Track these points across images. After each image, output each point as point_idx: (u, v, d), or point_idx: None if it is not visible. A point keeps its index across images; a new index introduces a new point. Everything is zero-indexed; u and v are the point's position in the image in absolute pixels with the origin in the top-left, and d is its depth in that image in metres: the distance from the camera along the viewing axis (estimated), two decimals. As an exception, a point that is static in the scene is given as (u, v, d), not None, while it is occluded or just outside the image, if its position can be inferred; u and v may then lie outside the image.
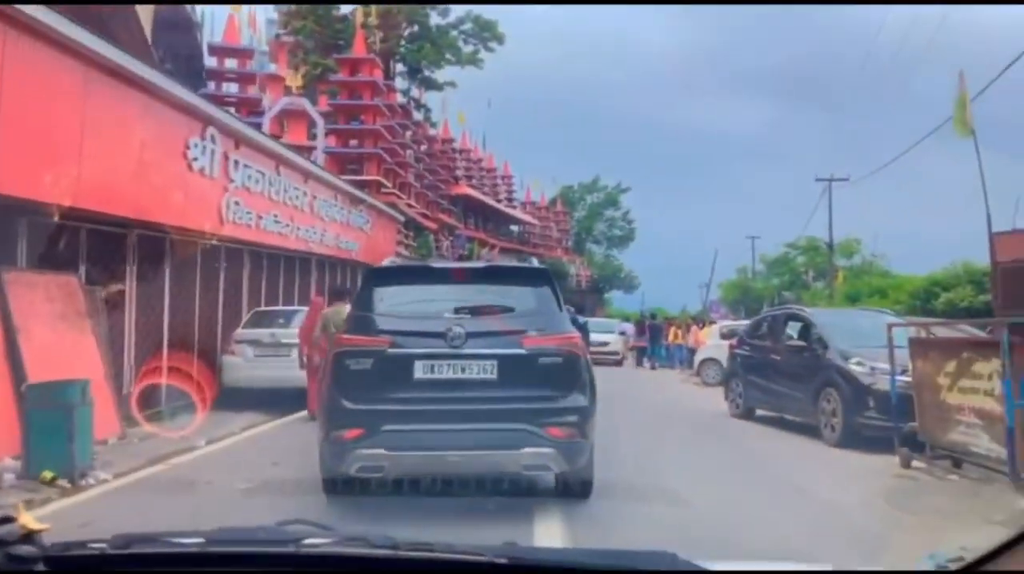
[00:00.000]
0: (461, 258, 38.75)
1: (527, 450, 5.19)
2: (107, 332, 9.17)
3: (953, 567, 1.05)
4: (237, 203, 11.94)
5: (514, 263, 8.93)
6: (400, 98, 32.63)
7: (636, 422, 10.86)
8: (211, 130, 10.83)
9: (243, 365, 11.31)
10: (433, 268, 7.28)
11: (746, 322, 20.40)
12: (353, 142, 26.83)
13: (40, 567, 0.88)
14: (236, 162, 11.85)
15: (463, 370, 5.34)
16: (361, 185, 22.16)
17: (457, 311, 5.52)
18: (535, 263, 7.84)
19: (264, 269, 14.67)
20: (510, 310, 5.64)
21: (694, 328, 22.70)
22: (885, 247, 45.14)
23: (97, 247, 9.37)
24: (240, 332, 11.88)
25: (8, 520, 0.84)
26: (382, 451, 5.16)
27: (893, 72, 32.90)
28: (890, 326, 8.18)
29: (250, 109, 24.70)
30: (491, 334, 5.42)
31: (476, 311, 5.57)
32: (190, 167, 10.38)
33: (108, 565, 1.13)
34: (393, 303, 5.79)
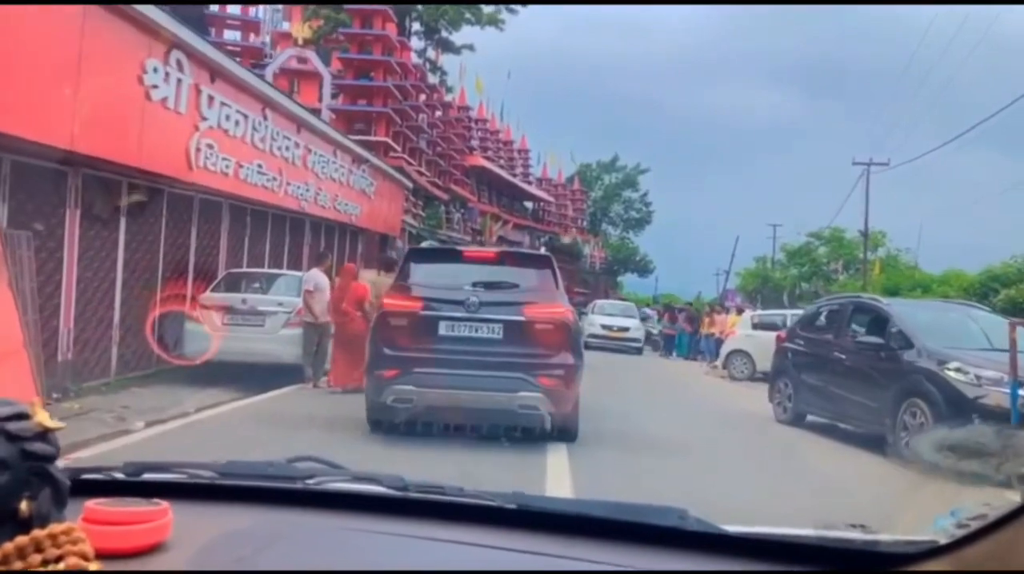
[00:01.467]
0: (473, 232, 37.27)
1: (521, 393, 6.46)
2: (33, 287, 7.53)
3: (975, 526, 0.95)
4: (211, 146, 10.23)
5: (523, 250, 10.08)
6: (415, 59, 30.71)
7: (670, 425, 9.16)
8: (177, 55, 9.08)
9: (208, 334, 9.67)
10: (459, 251, 8.75)
11: (781, 312, 18.64)
12: (362, 101, 25.00)
13: (54, 467, 0.78)
14: (211, 98, 10.11)
15: (476, 330, 6.63)
16: (368, 147, 20.42)
17: (474, 285, 6.86)
18: (542, 251, 9.58)
19: (247, 227, 12.98)
20: (516, 286, 7.03)
21: (720, 317, 20.83)
22: (908, 242, 42.98)
23: (25, 184, 7.70)
24: (208, 296, 10.23)
25: (24, 416, 0.75)
26: (412, 387, 6.52)
27: (933, 69, 30.55)
28: (1013, 325, 6.40)
29: (253, 60, 22.93)
30: (500, 304, 6.74)
31: (489, 286, 6.93)
32: (148, 96, 8.66)
33: (119, 491, 1.10)
34: (427, 276, 7.21)
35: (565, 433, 6.80)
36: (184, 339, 9.87)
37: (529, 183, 48.21)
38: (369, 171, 19.25)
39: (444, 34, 34.05)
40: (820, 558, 1.11)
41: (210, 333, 9.66)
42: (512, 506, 1.24)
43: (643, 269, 65.13)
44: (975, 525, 0.95)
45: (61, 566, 0.73)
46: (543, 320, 6.74)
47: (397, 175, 22.31)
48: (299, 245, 15.48)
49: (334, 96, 24.72)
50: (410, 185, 24.35)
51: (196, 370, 9.56)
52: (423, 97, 31.06)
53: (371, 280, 9.93)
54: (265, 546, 1.08)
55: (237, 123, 11.03)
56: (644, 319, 25.01)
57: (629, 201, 66.77)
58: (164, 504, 1.04)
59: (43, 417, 0.80)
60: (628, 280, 66.43)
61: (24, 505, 0.74)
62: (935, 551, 0.99)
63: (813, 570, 1.10)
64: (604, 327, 22.10)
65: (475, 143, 39.22)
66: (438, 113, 33.79)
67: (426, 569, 1.06)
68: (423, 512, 1.25)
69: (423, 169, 29.82)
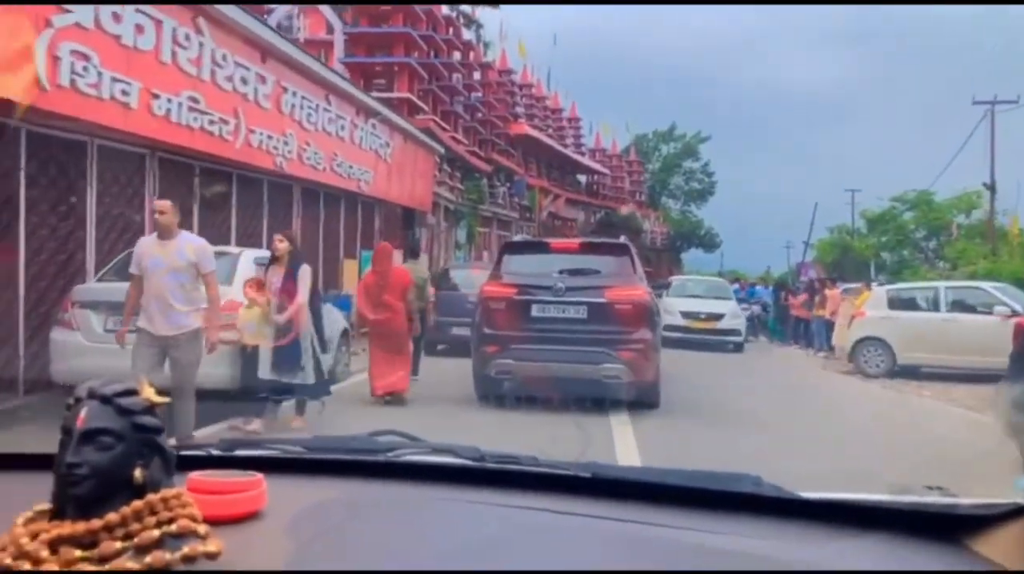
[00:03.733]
0: (521, 208, 33.54)
1: (605, 365, 7.42)
2: None
3: None
4: (87, 61, 6.65)
5: (603, 239, 10.79)
6: (446, 10, 26.93)
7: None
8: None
9: (81, 347, 6.15)
10: (547, 243, 9.44)
11: (928, 285, 14.24)
12: (381, 54, 21.33)
13: (161, 438, 0.84)
14: (83, -17, 6.53)
15: (564, 311, 7.64)
16: (388, 105, 16.79)
17: (561, 272, 7.89)
18: (621, 239, 9.12)
19: (193, 188, 9.45)
20: (597, 272, 8.05)
21: (832, 292, 16.45)
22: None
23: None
24: (85, 288, 6.69)
25: (132, 392, 0.82)
26: (511, 361, 7.62)
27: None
28: None
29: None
30: (583, 288, 7.73)
31: (574, 272, 7.93)
32: None
33: (213, 465, 1.12)
34: (521, 264, 8.29)
35: (647, 399, 7.72)
36: (51, 353, 6.36)
37: (581, 154, 44.17)
38: (386, 130, 15.62)
39: (479, -16, 30.13)
40: (898, 522, 1.09)
41: (83, 345, 6.13)
42: (587, 475, 1.25)
43: (708, 244, 60.78)
44: None
45: (173, 527, 0.78)
46: (622, 301, 7.60)
47: (423, 136, 18.62)
48: (283, 217, 11.92)
49: (348, 54, 21.14)
50: (441, 150, 20.64)
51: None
52: (457, 55, 27.40)
53: (413, 270, 9.20)
54: (352, 515, 1.13)
55: (144, 31, 7.44)
56: (744, 303, 18.93)
57: (690, 172, 62.65)
58: (259, 476, 1.07)
59: (149, 393, 0.85)
60: (692, 256, 62.06)
61: (138, 472, 0.79)
62: (1016, 512, 1.00)
63: (891, 534, 1.08)
64: (686, 315, 16.14)
65: (520, 110, 35.28)
66: (476, 75, 30.11)
67: (504, 533, 1.09)
68: (499, 481, 1.27)
69: (459, 135, 26.13)
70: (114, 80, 7.01)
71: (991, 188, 24.92)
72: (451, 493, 1.23)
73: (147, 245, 5.40)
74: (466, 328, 10.55)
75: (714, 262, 59.76)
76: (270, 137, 10.38)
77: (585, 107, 46.58)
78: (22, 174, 6.73)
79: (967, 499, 1.10)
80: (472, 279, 12.16)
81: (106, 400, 0.80)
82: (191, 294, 5.30)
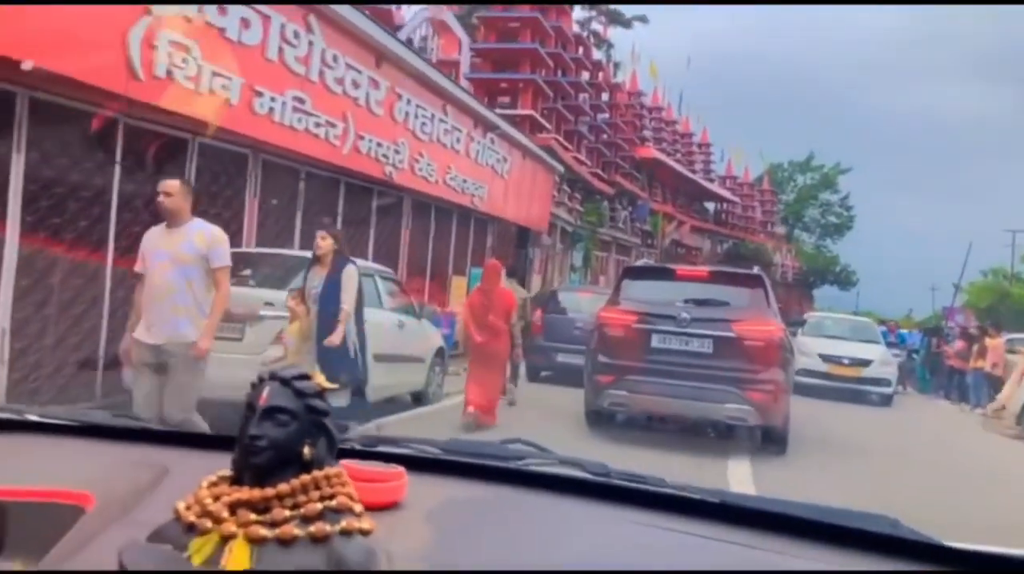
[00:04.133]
0: (643, 234, 32.42)
1: (729, 406, 6.80)
2: None
3: None
4: (187, 53, 6.38)
5: (734, 269, 10.02)
6: (576, 28, 26.42)
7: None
8: None
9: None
10: (671, 269, 8.51)
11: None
12: (507, 71, 20.99)
13: (328, 420, 0.91)
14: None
15: (687, 343, 7.03)
16: (512, 123, 16.33)
17: (686, 301, 7.29)
18: (755, 270, 8.22)
19: (297, 193, 9.16)
20: (726, 304, 7.34)
21: (994, 342, 14.38)
22: None
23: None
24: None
25: (307, 377, 0.90)
26: (625, 393, 7.07)
27: None
28: None
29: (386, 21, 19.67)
30: (710, 320, 7.09)
31: (700, 302, 7.32)
32: None
33: (356, 457, 1.18)
34: (642, 291, 7.68)
35: (775, 443, 7.20)
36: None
37: (711, 181, 42.45)
38: (504, 146, 15.14)
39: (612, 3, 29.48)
40: None
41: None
42: (715, 500, 1.24)
43: (844, 281, 57.08)
44: None
45: (333, 503, 0.85)
46: (753, 336, 6.99)
47: (543, 154, 18.03)
48: (396, 228, 11.54)
49: (473, 70, 20.92)
50: (561, 169, 19.99)
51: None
52: (586, 75, 26.82)
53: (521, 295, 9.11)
54: (485, 514, 1.18)
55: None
56: (893, 346, 16.30)
57: (827, 204, 59.32)
58: (401, 469, 1.14)
59: (320, 379, 0.92)
60: (824, 293, 58.45)
61: (307, 450, 0.87)
62: None
63: None
64: (826, 358, 13.68)
65: (648, 133, 34.23)
66: (604, 95, 29.42)
67: (630, 547, 1.09)
68: (624, 499, 1.27)
69: (582, 156, 25.46)
70: (215, 74, 6.73)
71: None
72: (576, 505, 1.25)
73: (152, 235, 4.46)
74: (573, 355, 9.76)
75: (849, 301, 55.88)
76: (380, 144, 10.02)
77: (717, 133, 44.85)
78: (117, 168, 6.53)
79: None
80: (581, 303, 11.33)
81: (285, 382, 0.88)
82: (200, 295, 4.35)
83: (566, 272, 23.85)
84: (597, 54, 28.65)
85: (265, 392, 0.87)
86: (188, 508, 0.84)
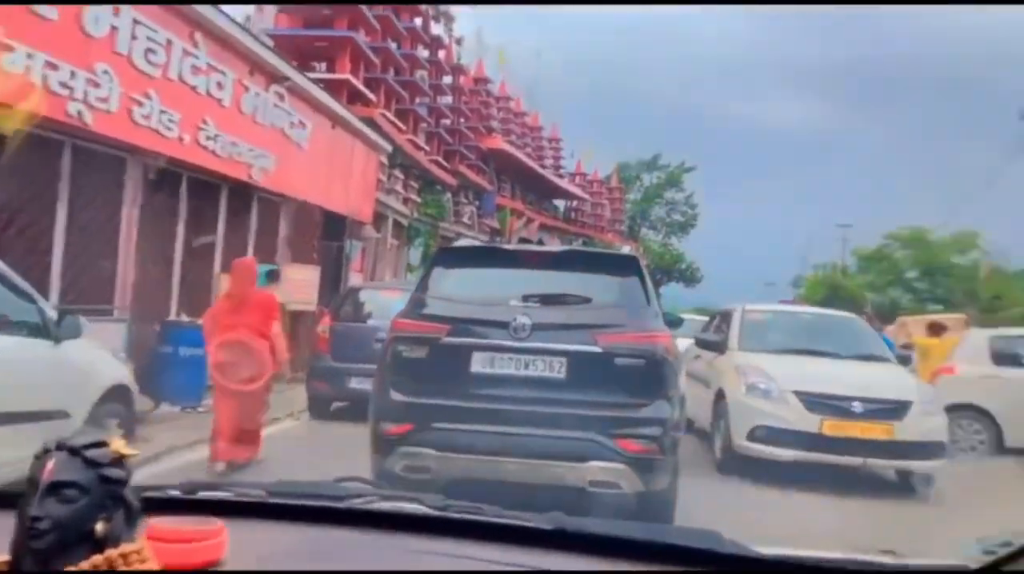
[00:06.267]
0: (491, 230, 29.91)
1: (594, 464, 4.41)
2: None
3: (1002, 552, 1.01)
4: None
5: (598, 249, 7.29)
6: (409, -4, 23.29)
7: None
8: None
9: None
10: (506, 250, 6.74)
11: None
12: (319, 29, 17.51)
13: (127, 491, 0.87)
14: None
15: (527, 366, 4.62)
16: (322, 85, 12.95)
17: (526, 299, 4.78)
18: (626, 249, 6.08)
19: None
20: (586, 301, 4.86)
21: (914, 337, 12.22)
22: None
23: None
24: None
25: (102, 444, 0.84)
26: (430, 451, 4.51)
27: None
28: None
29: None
30: (562, 327, 4.67)
31: (546, 300, 4.83)
32: None
33: (175, 507, 1.13)
34: (459, 285, 5.08)
35: (657, 514, 4.60)
36: None
37: (561, 177, 40.83)
38: (302, 107, 11.78)
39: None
40: None
41: None
42: (549, 527, 1.25)
43: (689, 278, 57.80)
44: (1002, 551, 1.00)
45: None
46: (627, 352, 4.58)
47: (362, 126, 14.77)
48: (113, 206, 7.89)
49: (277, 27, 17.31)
50: (388, 149, 16.82)
51: None
52: (424, 51, 23.84)
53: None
54: (314, 563, 1.11)
55: None
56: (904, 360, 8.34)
57: (672, 203, 59.98)
58: (219, 523, 1.07)
59: (118, 445, 0.85)
60: (671, 290, 58.97)
61: (100, 526, 0.80)
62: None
63: None
64: (814, 403, 6.66)
65: (495, 124, 31.84)
66: (447, 78, 26.56)
67: None
68: (463, 532, 1.26)
69: (420, 141, 22.43)
70: None
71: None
72: (415, 542, 1.21)
73: None
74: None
75: (695, 298, 56.57)
76: (54, 67, 6.42)
77: (567, 131, 43.28)
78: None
79: (916, 560, 1.10)
80: (387, 305, 8.25)
81: (74, 452, 0.80)
82: None
83: (401, 270, 20.80)
84: (437, 28, 25.68)
85: (49, 465, 0.80)
86: None
